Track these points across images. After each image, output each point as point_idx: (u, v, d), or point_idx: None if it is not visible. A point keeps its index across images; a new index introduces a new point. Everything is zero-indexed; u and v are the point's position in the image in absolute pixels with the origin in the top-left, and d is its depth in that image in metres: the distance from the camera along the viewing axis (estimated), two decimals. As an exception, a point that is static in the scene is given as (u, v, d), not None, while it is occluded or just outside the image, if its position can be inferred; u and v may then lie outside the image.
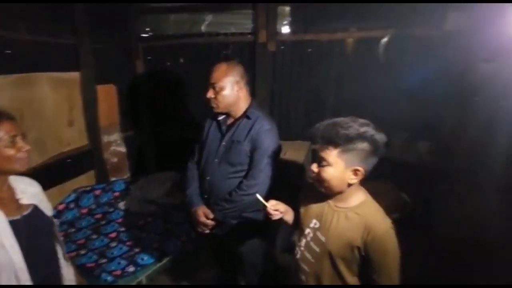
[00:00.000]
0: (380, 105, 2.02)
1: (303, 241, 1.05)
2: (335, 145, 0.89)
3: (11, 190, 0.96)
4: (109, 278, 1.80)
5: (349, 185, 0.94)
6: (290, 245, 2.03)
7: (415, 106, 2.04)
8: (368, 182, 0.98)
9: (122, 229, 2.32)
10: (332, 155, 0.91)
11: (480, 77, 1.73)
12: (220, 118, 1.50)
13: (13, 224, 0.89)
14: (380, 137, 0.89)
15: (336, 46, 2.34)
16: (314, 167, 0.95)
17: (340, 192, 0.97)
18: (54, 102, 2.27)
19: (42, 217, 1.02)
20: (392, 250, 0.91)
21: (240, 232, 1.50)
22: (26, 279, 0.90)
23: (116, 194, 2.71)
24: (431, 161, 2.12)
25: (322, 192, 0.98)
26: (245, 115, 1.45)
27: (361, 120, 0.92)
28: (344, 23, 2.27)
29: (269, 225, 1.58)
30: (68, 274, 1.13)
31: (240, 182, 1.41)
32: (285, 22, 2.49)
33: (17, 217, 0.92)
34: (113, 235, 2.26)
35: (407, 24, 2.07)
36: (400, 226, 0.95)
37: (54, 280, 1.07)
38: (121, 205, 2.61)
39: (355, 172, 0.91)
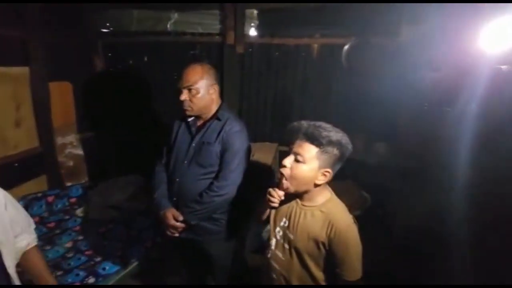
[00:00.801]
0: (342, 108, 2.14)
1: (274, 240, 1.08)
2: (317, 144, 0.93)
3: None
4: (66, 292, 1.66)
5: (316, 185, 0.99)
6: (259, 245, 2.06)
7: (373, 110, 2.19)
8: (333, 182, 1.04)
9: (80, 237, 2.16)
10: (310, 153, 0.94)
11: (428, 84, 1.92)
12: (190, 119, 1.47)
13: None
14: (350, 146, 0.97)
15: (302, 51, 2.43)
16: (287, 162, 0.98)
17: (305, 192, 1.01)
18: (-3, 99, 2.04)
19: None
20: (354, 245, 0.97)
21: (210, 234, 1.49)
22: None
23: (73, 200, 2.52)
24: (388, 160, 2.29)
25: (285, 191, 1.01)
26: (216, 116, 1.44)
27: (336, 128, 0.98)
28: (309, 29, 2.37)
29: (239, 226, 1.59)
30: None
31: (211, 183, 1.40)
32: (252, 25, 2.51)
33: None
34: (69, 244, 2.09)
35: (367, 32, 2.23)
36: (361, 221, 1.03)
37: None
38: (79, 212, 2.42)
39: (325, 174, 0.96)
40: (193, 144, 1.44)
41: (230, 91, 2.48)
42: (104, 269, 1.87)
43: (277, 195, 1.01)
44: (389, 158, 2.30)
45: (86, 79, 2.77)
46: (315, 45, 2.37)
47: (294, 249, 1.01)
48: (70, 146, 2.69)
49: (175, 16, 2.59)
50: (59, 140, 2.57)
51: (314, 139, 0.94)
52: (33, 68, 2.24)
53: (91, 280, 1.78)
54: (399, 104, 2.11)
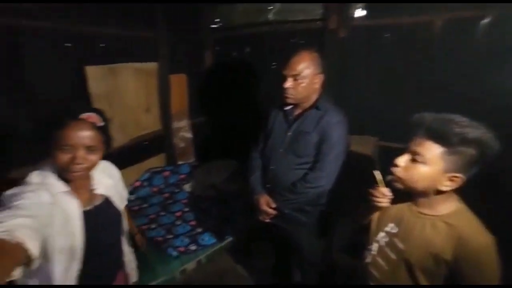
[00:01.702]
0: (478, 99, 1.68)
1: (375, 246, 0.95)
2: (444, 143, 0.76)
3: (88, 181, 1.00)
4: (174, 253, 1.95)
5: (438, 192, 0.80)
6: (349, 244, 1.92)
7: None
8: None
9: (186, 209, 2.49)
10: (433, 153, 0.78)
11: None
12: (287, 108, 1.45)
13: (86, 214, 0.94)
14: (495, 144, 0.75)
15: (421, 30, 2.04)
16: (401, 161, 0.83)
17: (422, 196, 0.84)
18: (135, 90, 2.52)
19: (112, 209, 1.06)
20: (491, 269, 0.76)
21: (300, 225, 1.46)
22: (78, 269, 0.92)
23: (182, 176, 2.92)
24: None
25: (399, 189, 0.86)
26: (315, 106, 1.38)
27: (474, 123, 0.77)
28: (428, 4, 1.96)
29: (330, 221, 1.50)
30: (130, 261, 1.21)
31: (306, 174, 1.36)
32: (359, 6, 2.28)
33: (90, 207, 0.97)
34: (179, 214, 2.44)
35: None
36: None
37: (116, 267, 1.13)
38: (186, 187, 2.80)
39: (452, 179, 0.78)
40: (290, 133, 1.42)
41: (330, 79, 2.33)
42: (203, 239, 2.10)
43: (381, 194, 0.88)
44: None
45: (198, 71, 3.13)
46: (439, 22, 1.95)
47: (404, 261, 0.86)
48: (183, 130, 3.12)
49: (277, 5, 2.60)
50: (175, 125, 3.00)
51: (440, 137, 0.76)
52: (159, 63, 2.67)
53: (193, 247, 2.03)
54: None
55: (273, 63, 2.60)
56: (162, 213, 2.43)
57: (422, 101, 2.05)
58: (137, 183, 2.66)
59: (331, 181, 1.36)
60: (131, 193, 2.59)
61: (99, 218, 0.98)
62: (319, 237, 1.52)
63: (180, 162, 3.08)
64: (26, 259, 0.66)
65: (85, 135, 0.86)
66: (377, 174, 0.91)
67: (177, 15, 2.71)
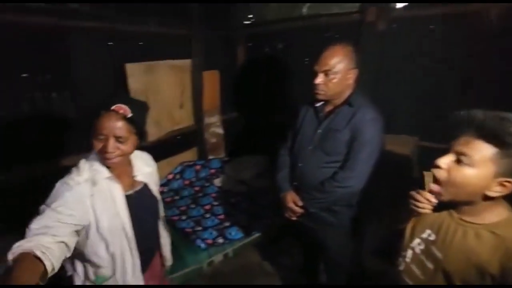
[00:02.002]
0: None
1: (410, 252, 0.88)
2: (497, 144, 0.68)
3: (130, 167, 1.09)
4: (202, 245, 2.00)
5: (486, 197, 0.72)
6: (379, 248, 1.82)
7: None
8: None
9: (216, 203, 2.55)
10: (483, 154, 0.69)
11: None
12: (318, 104, 1.41)
13: (127, 197, 1.02)
14: None
15: (473, 19, 1.84)
16: (444, 162, 0.75)
17: (466, 203, 0.76)
18: (170, 86, 2.61)
19: (150, 195, 1.15)
20: None
21: (328, 225, 1.42)
22: (133, 247, 1.04)
23: (212, 171, 2.99)
24: None
25: (440, 197, 0.78)
26: (347, 102, 1.32)
27: None
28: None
29: (360, 223, 1.44)
30: (166, 243, 1.29)
31: (335, 173, 1.31)
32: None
33: (130, 192, 1.05)
34: (208, 207, 2.50)
35: None
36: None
37: (153, 249, 1.22)
38: (216, 181, 2.86)
39: (504, 184, 0.69)
40: (319, 130, 1.37)
41: (366, 75, 2.22)
42: (230, 233, 2.13)
43: (424, 199, 0.79)
44: None
45: (230, 68, 3.17)
46: (495, 10, 1.74)
47: (442, 271, 0.79)
48: (214, 125, 3.19)
49: (311, -1, 2.53)
50: (206, 120, 3.08)
51: (493, 137, 0.68)
52: (193, 60, 2.74)
53: (220, 240, 2.07)
54: None
55: (306, 59, 2.54)
56: (192, 206, 2.51)
57: (468, 99, 1.88)
58: (170, 176, 2.78)
59: (362, 181, 1.29)
60: (164, 185, 2.71)
61: (139, 202, 1.07)
62: (348, 238, 1.46)
63: (210, 157, 3.16)
64: (42, 274, 0.75)
65: (114, 125, 0.91)
66: (428, 176, 0.81)
67: (211, 12, 2.76)
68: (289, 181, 1.48)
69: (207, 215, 2.38)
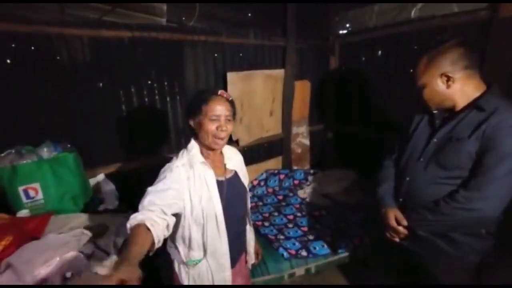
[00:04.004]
0: None
1: None
2: None
3: (221, 156, 1.19)
4: (285, 254, 1.94)
5: None
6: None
7: None
8: None
9: (299, 214, 2.47)
10: None
11: None
12: (436, 111, 1.21)
13: (219, 183, 1.09)
14: None
15: None
16: None
17: None
18: (263, 94, 2.73)
19: (240, 183, 1.21)
20: None
21: (441, 254, 1.17)
22: (223, 230, 1.08)
23: (296, 182, 2.93)
24: None
25: None
26: (475, 105, 1.09)
27: None
28: None
29: (488, 258, 1.13)
30: (250, 238, 1.31)
31: (455, 191, 1.08)
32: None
33: (222, 178, 1.13)
34: (291, 217, 2.44)
35: None
36: None
37: (241, 238, 1.25)
38: (300, 192, 2.78)
39: None
40: (435, 140, 1.17)
41: (498, 75, 1.81)
42: (315, 248, 2.01)
43: None
44: None
45: (321, 78, 3.12)
46: None
47: None
48: (301, 136, 3.15)
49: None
50: (294, 130, 3.07)
51: None
52: (286, 70, 2.80)
53: (303, 253, 1.97)
54: None
55: (410, 66, 2.28)
56: (275, 214, 2.50)
57: None
58: (255, 182, 2.85)
59: (497, 205, 1.03)
60: (249, 190, 2.79)
61: (230, 188, 1.13)
62: (468, 276, 1.17)
63: (295, 167, 3.12)
64: (151, 243, 0.85)
65: (225, 107, 1.06)
66: None
67: (306, 22, 2.80)
68: (393, 196, 1.30)
69: (290, 225, 2.32)
